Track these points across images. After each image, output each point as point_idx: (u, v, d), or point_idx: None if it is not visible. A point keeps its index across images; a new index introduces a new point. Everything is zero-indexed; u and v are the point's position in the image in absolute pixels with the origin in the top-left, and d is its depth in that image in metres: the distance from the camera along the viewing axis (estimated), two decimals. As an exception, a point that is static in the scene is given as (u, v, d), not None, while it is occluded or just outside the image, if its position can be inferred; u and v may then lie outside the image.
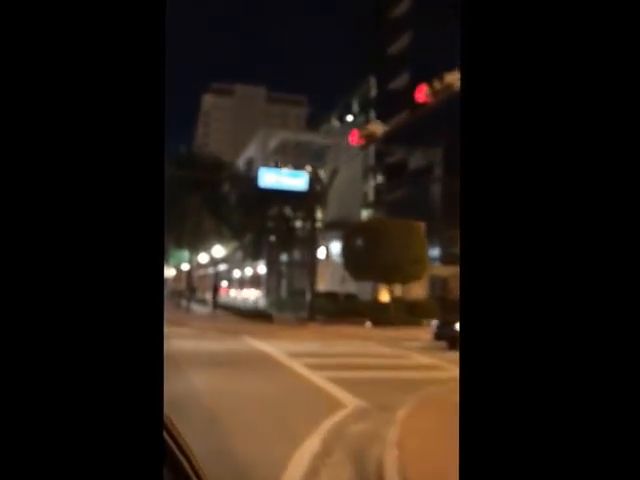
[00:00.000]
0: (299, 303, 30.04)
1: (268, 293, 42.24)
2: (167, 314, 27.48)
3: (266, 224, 31.84)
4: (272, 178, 27.86)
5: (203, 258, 38.76)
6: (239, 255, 44.27)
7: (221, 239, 34.59)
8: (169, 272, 46.45)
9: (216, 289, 33.40)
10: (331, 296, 29.83)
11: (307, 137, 34.14)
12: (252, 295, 45.72)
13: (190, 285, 36.59)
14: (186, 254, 37.38)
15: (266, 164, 33.64)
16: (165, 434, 0.84)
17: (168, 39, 0.77)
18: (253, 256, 39.95)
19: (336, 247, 37.20)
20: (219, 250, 38.58)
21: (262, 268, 48.26)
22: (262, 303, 37.18)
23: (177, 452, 0.88)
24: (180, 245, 37.10)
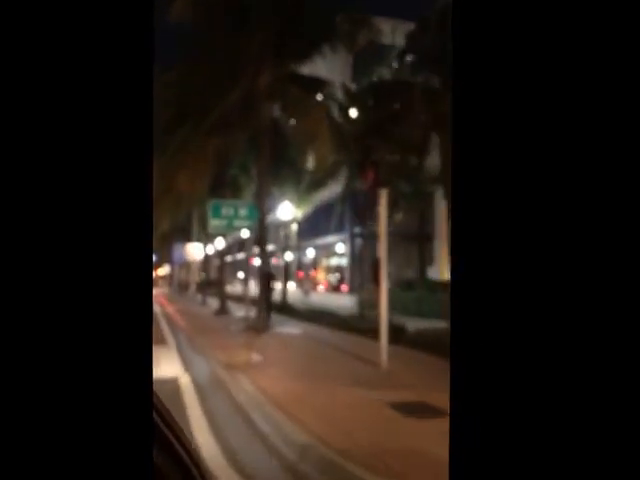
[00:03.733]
0: (432, 304, 15.74)
1: (354, 287, 26.35)
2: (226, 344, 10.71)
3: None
4: None
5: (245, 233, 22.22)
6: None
7: (297, 182, 18.17)
8: (199, 252, 29.85)
9: (269, 281, 16.55)
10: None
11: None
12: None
13: (264, 274, 15.39)
14: (249, 210, 14.88)
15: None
16: (155, 414, 0.84)
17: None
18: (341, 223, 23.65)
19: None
20: (287, 210, 22.86)
21: (311, 251, 32.71)
22: (344, 303, 21.30)
23: (167, 431, 0.87)
24: (221, 192, 17.60)
